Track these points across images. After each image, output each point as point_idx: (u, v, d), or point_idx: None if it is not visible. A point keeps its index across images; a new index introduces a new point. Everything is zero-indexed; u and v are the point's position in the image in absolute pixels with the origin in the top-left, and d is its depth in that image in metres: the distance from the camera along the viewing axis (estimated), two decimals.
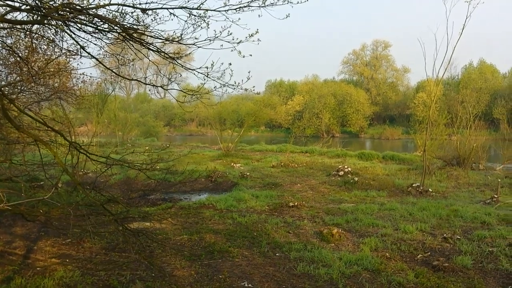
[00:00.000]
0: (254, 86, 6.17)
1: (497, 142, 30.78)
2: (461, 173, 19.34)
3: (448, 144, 22.84)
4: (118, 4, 5.78)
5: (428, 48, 15.65)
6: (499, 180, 15.63)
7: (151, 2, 5.63)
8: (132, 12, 5.82)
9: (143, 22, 5.87)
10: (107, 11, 5.90)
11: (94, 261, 7.78)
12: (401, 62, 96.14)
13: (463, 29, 14.85)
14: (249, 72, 5.86)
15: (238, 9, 5.50)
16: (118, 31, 5.94)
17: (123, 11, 5.83)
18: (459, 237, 9.34)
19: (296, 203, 12.59)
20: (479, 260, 8.01)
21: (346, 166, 19.11)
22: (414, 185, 15.64)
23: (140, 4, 5.71)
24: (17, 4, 5.47)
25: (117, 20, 5.85)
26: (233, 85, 5.95)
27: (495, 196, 13.73)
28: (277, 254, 8.36)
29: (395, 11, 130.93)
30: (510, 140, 27.52)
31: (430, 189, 15.36)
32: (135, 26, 5.81)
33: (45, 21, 5.64)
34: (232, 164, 22.25)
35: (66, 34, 6.11)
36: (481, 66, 61.83)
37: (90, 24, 5.84)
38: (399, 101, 69.88)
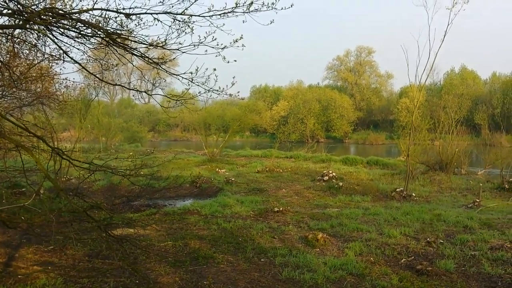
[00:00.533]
0: (238, 92, 6.18)
1: (479, 147, 31.11)
2: (444, 177, 19.54)
3: (431, 149, 23.05)
4: (102, 9, 5.75)
5: (411, 54, 15.85)
6: (481, 184, 15.82)
7: (135, 7, 5.61)
8: (115, 17, 5.80)
9: (127, 27, 5.85)
10: (90, 16, 5.87)
11: (77, 268, 7.68)
12: (385, 68, 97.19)
13: (444, 36, 15.06)
14: (233, 78, 5.87)
15: (222, 15, 5.51)
16: (102, 36, 5.91)
17: (106, 16, 5.81)
18: (442, 241, 9.42)
19: (281, 208, 12.58)
20: (462, 264, 8.08)
21: (330, 171, 19.17)
22: (397, 189, 15.76)
23: (123, 9, 5.69)
24: None
25: (100, 25, 5.82)
26: (217, 90, 5.96)
27: (477, 200, 13.89)
28: (262, 260, 8.35)
29: (379, 18, 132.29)
30: (491, 145, 27.91)
31: (413, 194, 15.50)
32: (118, 31, 5.79)
33: (27, 26, 5.58)
34: (217, 169, 22.18)
35: (48, 38, 6.07)
36: (462, 72, 62.64)
37: (73, 29, 5.80)
38: (382, 106, 70.46)
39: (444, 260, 8.16)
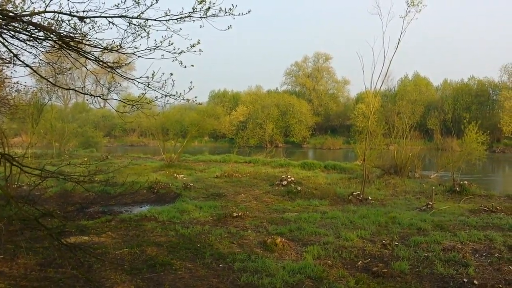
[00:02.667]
0: (196, 97, 6.15)
1: (431, 151, 32.22)
2: (399, 181, 20.03)
3: (386, 154, 23.60)
4: (54, 12, 5.60)
5: (367, 61, 16.17)
6: (433, 187, 16.29)
7: (89, 11, 5.49)
8: (69, 20, 5.66)
9: (81, 30, 5.72)
10: (42, 19, 5.71)
11: (28, 278, 7.41)
12: (343, 74, 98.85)
13: (398, 43, 15.47)
14: (191, 83, 5.84)
15: (179, 19, 5.46)
16: (54, 39, 5.75)
17: (59, 19, 5.66)
18: (397, 243, 9.62)
19: (240, 213, 12.56)
20: (416, 265, 8.27)
21: (289, 176, 19.31)
22: (354, 193, 16.03)
23: (77, 12, 5.55)
24: None
25: (53, 28, 5.67)
26: (174, 95, 5.90)
27: (430, 203, 14.29)
28: (220, 265, 8.30)
29: (337, 25, 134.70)
30: (443, 150, 28.83)
31: (369, 197, 15.81)
32: (72, 35, 5.65)
33: None
34: (175, 175, 21.96)
35: None
36: (415, 79, 64.59)
37: (24, 32, 5.63)
38: (340, 112, 71.79)
39: (398, 262, 8.33)
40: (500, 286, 7.03)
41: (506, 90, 53.42)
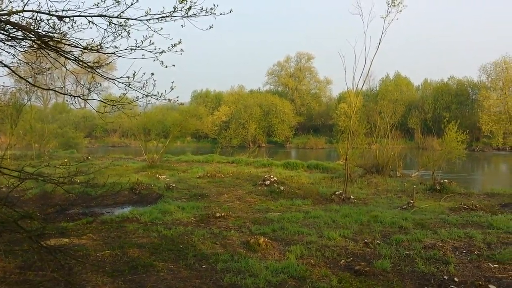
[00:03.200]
0: (178, 97, 6.12)
1: (412, 151, 32.63)
2: (380, 180, 20.20)
3: (368, 153, 23.78)
4: (33, 11, 5.52)
5: (349, 61, 16.27)
6: (414, 186, 16.46)
7: (68, 10, 5.42)
8: (48, 20, 5.58)
9: (60, 30, 5.64)
10: (20, 18, 5.61)
11: (7, 281, 7.27)
12: (325, 73, 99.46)
13: (379, 43, 15.60)
14: (172, 83, 5.80)
15: (160, 19, 5.42)
16: (33, 38, 5.67)
17: (38, 18, 5.57)
18: (379, 242, 9.68)
19: (223, 214, 12.53)
20: (397, 263, 8.34)
21: (272, 176, 19.32)
22: (337, 192, 16.11)
23: (56, 11, 5.48)
24: None
25: (31, 27, 5.58)
26: (156, 95, 5.86)
27: (411, 201, 14.43)
28: (203, 266, 8.26)
29: (319, 25, 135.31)
30: (424, 149, 29.21)
31: (352, 196, 15.90)
32: (51, 34, 5.56)
33: None
34: (157, 175, 21.81)
35: None
36: (396, 79, 65.23)
37: (2, 31, 5.53)
38: (322, 111, 72.17)
39: (380, 260, 8.38)
40: (480, 283, 7.12)
41: (484, 89, 54.28)
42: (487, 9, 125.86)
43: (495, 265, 8.12)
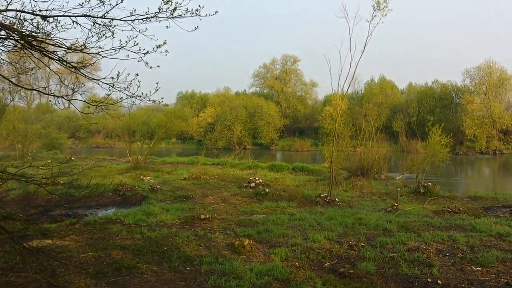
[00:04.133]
0: (162, 98, 6.08)
1: (397, 154, 32.83)
2: (365, 183, 20.32)
3: (353, 156, 23.92)
4: (16, 10, 5.45)
5: (334, 64, 16.34)
6: (399, 189, 16.60)
7: (52, 9, 5.36)
8: (31, 19, 5.52)
9: (44, 29, 5.58)
10: (3, 17, 5.54)
11: None
12: (311, 76, 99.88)
13: (364, 47, 15.71)
14: (157, 84, 5.76)
15: (145, 19, 5.39)
16: (16, 38, 5.60)
17: (21, 18, 5.51)
18: (363, 244, 9.73)
19: (207, 216, 12.49)
20: (382, 266, 8.39)
21: (257, 178, 19.33)
22: (322, 195, 16.16)
23: (40, 11, 5.42)
24: None
25: (15, 27, 5.51)
26: (140, 96, 5.82)
27: (395, 204, 14.54)
28: (187, 268, 8.22)
29: (305, 28, 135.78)
30: (408, 152, 29.46)
31: (337, 199, 15.96)
32: (34, 34, 5.50)
33: None
34: (141, 177, 21.69)
35: None
36: (381, 82, 65.61)
37: None
38: (307, 114, 72.38)
39: (365, 263, 8.42)
40: (463, 285, 7.19)
41: (468, 93, 54.90)
42: (471, 14, 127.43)
43: (478, 268, 8.20)
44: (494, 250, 9.14)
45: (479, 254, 8.94)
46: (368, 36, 15.58)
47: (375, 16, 15.25)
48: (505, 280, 7.44)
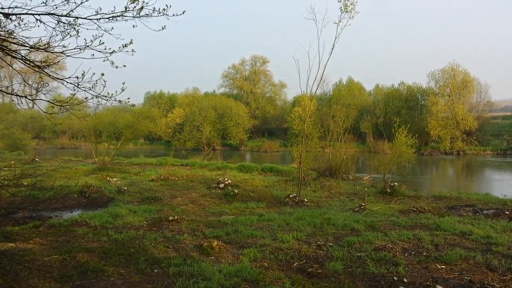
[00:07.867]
0: (129, 98, 5.99)
1: (364, 154, 33.35)
2: (333, 183, 20.54)
3: (321, 156, 24.14)
4: None
5: (303, 65, 16.45)
6: (366, 189, 16.84)
7: (15, 7, 5.21)
8: None
9: (6, 28, 5.43)
10: None
11: None
12: (280, 77, 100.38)
13: (332, 49, 15.87)
14: (123, 83, 5.68)
15: (111, 18, 5.30)
16: None
17: None
18: (331, 244, 9.81)
19: (176, 217, 12.38)
20: (349, 265, 8.47)
21: (226, 179, 19.30)
22: (291, 195, 16.25)
23: (2, 8, 5.26)
24: None
25: None
26: (106, 96, 5.72)
27: (363, 204, 14.74)
28: (155, 271, 8.13)
29: (275, 29, 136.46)
30: (375, 152, 29.95)
31: (305, 199, 16.08)
32: None
33: None
34: (108, 178, 21.36)
35: None
36: (349, 84, 66.48)
37: None
38: (277, 115, 72.71)
39: (333, 262, 8.49)
40: (428, 283, 7.33)
41: (433, 95, 56.08)
42: (435, 21, 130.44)
43: (442, 266, 8.37)
44: (458, 249, 9.34)
45: (444, 252, 9.12)
46: (336, 38, 15.75)
47: (342, 18, 15.43)
48: (468, 278, 7.61)
